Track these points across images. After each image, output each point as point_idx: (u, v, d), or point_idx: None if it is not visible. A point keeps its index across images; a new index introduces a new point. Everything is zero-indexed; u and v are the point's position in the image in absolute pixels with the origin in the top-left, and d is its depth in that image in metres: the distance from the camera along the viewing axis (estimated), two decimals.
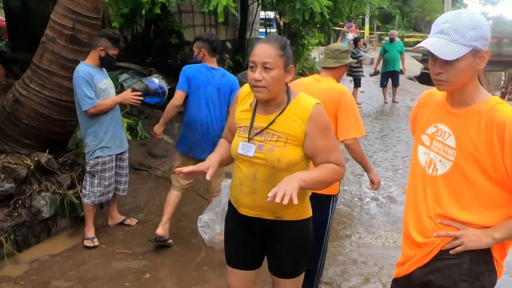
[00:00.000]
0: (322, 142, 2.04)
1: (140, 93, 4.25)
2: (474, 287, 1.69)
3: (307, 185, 1.95)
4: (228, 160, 2.28)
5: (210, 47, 4.09)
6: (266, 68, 1.98)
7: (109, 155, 4.14)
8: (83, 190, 4.21)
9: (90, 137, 4.06)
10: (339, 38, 22.64)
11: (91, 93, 3.93)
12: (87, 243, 4.13)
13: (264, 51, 1.99)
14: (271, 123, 2.05)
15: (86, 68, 3.99)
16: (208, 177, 2.05)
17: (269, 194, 1.81)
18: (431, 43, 1.63)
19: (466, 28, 1.59)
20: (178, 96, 4.05)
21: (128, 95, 4.11)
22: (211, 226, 2.53)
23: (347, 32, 23.06)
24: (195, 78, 4.02)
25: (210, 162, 2.14)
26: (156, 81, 4.49)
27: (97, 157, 4.08)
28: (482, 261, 1.70)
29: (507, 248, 1.75)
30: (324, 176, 2.03)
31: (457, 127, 1.70)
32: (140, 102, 4.22)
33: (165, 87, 4.37)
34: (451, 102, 1.74)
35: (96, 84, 4.00)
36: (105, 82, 4.14)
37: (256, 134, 2.07)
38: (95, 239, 4.16)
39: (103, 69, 4.19)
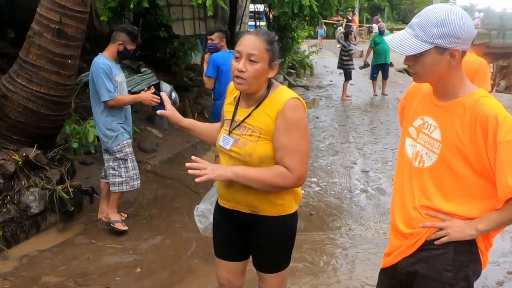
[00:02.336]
0: (284, 137, 1.96)
1: (158, 97, 4.25)
2: (459, 277, 1.71)
3: (238, 179, 1.97)
4: (200, 135, 2.37)
5: (228, 38, 4.96)
6: (251, 60, 1.97)
7: (128, 138, 4.24)
8: (115, 180, 4.21)
9: (113, 124, 4.11)
10: (317, 28, 23.45)
11: (110, 85, 4.00)
12: (119, 226, 4.21)
13: (251, 43, 1.98)
14: (246, 117, 2.06)
15: (105, 61, 4.04)
16: (158, 112, 2.23)
17: (187, 165, 1.92)
18: (395, 36, 1.69)
19: (430, 25, 1.60)
20: (210, 82, 4.85)
21: (148, 96, 4.18)
22: (206, 215, 2.56)
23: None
24: (224, 64, 4.66)
25: (179, 116, 2.27)
26: (168, 88, 4.64)
27: (122, 141, 4.16)
28: (467, 251, 1.72)
29: (491, 238, 1.77)
30: (263, 176, 1.97)
31: (442, 120, 1.72)
32: (157, 103, 4.27)
33: (177, 97, 4.60)
34: (436, 94, 1.76)
35: (113, 77, 4.06)
36: (120, 76, 4.22)
37: (235, 127, 2.09)
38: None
39: (118, 63, 4.26)
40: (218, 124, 2.39)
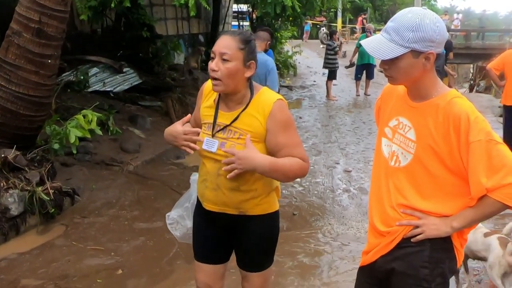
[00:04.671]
0: (283, 138, 2.03)
1: None
2: (435, 273, 1.75)
3: (265, 169, 1.97)
4: None
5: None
6: (223, 59, 1.97)
7: None
8: None
9: None
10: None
11: None
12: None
13: (224, 42, 1.99)
14: (233, 121, 2.06)
15: None
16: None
17: (224, 161, 1.97)
18: (371, 41, 1.71)
19: (406, 30, 1.63)
20: None
21: None
22: (181, 222, 2.51)
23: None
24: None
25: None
26: None
27: None
28: (442, 248, 1.76)
29: (465, 235, 1.82)
30: (291, 166, 2.01)
31: (416, 120, 1.75)
32: None
33: None
34: (410, 95, 1.79)
35: None
36: None
37: (219, 131, 2.08)
38: None
39: None
40: None
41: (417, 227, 1.74)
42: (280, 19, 11.50)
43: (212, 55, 2.01)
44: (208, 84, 2.19)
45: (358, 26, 27.06)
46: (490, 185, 1.61)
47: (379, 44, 1.67)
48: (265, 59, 4.71)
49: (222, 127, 2.07)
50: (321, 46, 21.81)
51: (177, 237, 2.55)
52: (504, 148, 1.64)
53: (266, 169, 1.96)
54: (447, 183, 1.71)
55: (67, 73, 7.29)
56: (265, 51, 4.96)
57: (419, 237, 1.74)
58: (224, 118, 2.08)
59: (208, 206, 2.18)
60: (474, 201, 1.68)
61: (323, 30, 25.28)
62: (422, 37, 1.62)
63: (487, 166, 1.60)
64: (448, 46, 10.72)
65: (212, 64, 1.99)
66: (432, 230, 1.72)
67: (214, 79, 2.00)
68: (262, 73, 4.63)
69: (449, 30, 21.23)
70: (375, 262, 1.86)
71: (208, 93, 2.18)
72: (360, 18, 27.53)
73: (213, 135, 2.09)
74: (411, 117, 1.76)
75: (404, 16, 1.66)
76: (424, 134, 1.71)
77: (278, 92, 5.58)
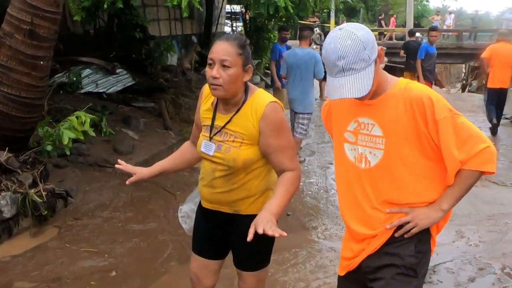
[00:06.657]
0: (275, 140, 2.04)
1: None
2: (422, 262, 1.80)
3: (279, 213, 1.95)
4: (177, 167, 2.41)
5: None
6: (224, 66, 1.97)
7: None
8: (303, 131, 6.36)
9: (312, 95, 6.23)
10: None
11: None
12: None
13: (223, 49, 1.99)
14: (227, 123, 2.08)
15: None
16: (127, 182, 2.26)
17: (249, 237, 1.81)
18: (344, 90, 1.62)
19: (360, 53, 1.60)
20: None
21: None
22: (191, 216, 2.59)
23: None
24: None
25: (142, 171, 2.31)
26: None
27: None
28: (426, 239, 1.81)
29: (446, 222, 1.86)
30: (289, 195, 2.01)
31: (378, 115, 1.75)
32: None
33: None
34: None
35: None
36: None
37: (216, 133, 2.11)
38: None
39: None
40: (186, 145, 2.41)
41: (407, 222, 1.76)
42: (273, 19, 11.50)
43: (210, 62, 2.00)
44: (207, 87, 2.21)
45: (392, 27, 26.30)
46: (463, 157, 1.66)
47: (353, 83, 1.62)
48: (313, 53, 6.14)
49: (218, 129, 2.11)
50: (314, 46, 21.85)
51: (186, 230, 2.60)
52: (465, 120, 1.70)
53: (278, 215, 1.95)
54: (424, 168, 1.73)
55: (60, 74, 7.26)
56: (309, 45, 6.38)
57: (413, 231, 1.76)
58: (221, 120, 2.11)
59: (204, 203, 2.24)
60: (452, 178, 1.71)
61: (316, 30, 25.34)
62: (372, 46, 1.63)
63: (456, 139, 1.65)
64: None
65: (213, 72, 1.98)
66: (423, 220, 1.75)
67: (214, 84, 1.99)
68: (311, 63, 5.92)
69: (441, 30, 21.34)
70: (361, 264, 1.87)
71: (206, 95, 2.20)
72: (392, 19, 27.12)
73: (211, 138, 2.12)
74: (372, 114, 1.77)
75: (346, 47, 1.60)
76: (390, 127, 1.73)
77: (323, 79, 6.31)
